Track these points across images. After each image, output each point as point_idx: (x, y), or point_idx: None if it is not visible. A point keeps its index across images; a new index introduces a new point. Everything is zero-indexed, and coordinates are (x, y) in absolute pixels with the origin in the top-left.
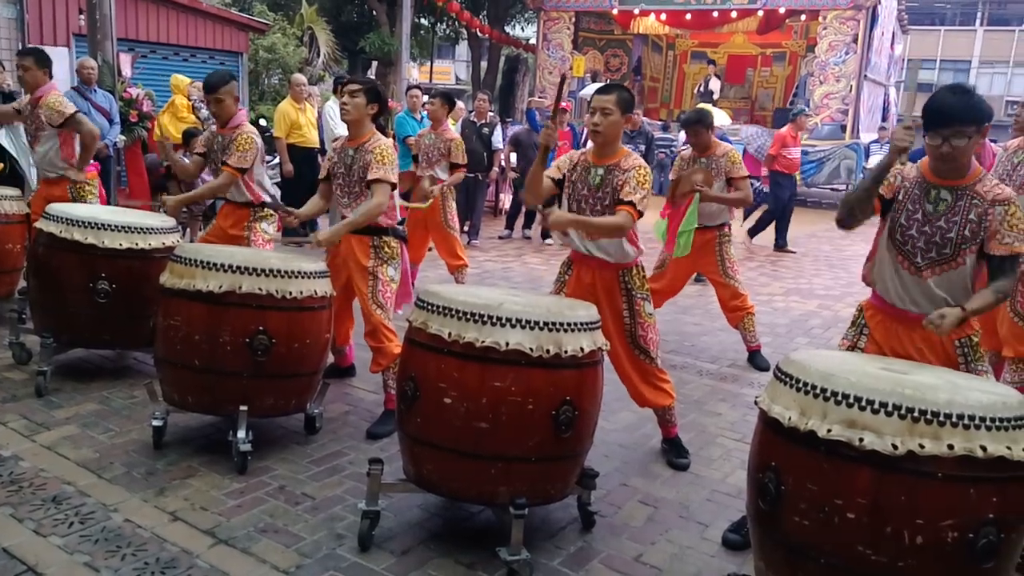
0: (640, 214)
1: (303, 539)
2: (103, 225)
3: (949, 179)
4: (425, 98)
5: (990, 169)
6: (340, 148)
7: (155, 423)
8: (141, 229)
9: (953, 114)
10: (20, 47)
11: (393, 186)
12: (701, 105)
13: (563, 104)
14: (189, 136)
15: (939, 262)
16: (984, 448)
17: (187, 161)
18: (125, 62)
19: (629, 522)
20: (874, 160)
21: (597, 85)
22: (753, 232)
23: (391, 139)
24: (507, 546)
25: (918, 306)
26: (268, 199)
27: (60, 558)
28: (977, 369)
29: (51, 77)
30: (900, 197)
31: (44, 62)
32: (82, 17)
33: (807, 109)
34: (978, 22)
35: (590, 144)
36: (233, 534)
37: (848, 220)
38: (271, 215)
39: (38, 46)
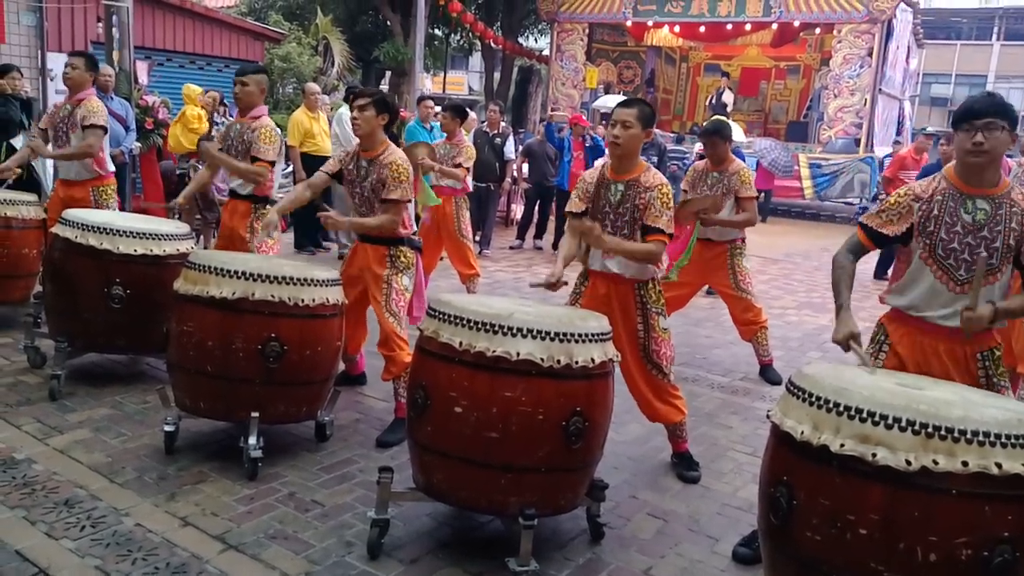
0: (670, 237)
1: (312, 546)
2: (118, 231)
3: (984, 188)
4: (437, 109)
5: None
6: (355, 154)
7: (167, 428)
8: (156, 235)
9: (986, 108)
10: (39, 54)
11: (408, 203)
12: (718, 118)
13: (576, 116)
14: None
15: (983, 273)
16: (999, 465)
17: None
18: (142, 70)
19: (638, 535)
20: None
21: (611, 97)
22: (879, 272)
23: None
24: (516, 556)
25: (951, 319)
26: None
27: (72, 561)
28: (998, 384)
29: (95, 84)
30: (936, 212)
31: (93, 67)
32: (100, 25)
33: (929, 128)
34: (994, 36)
35: (606, 159)
36: (243, 540)
37: None
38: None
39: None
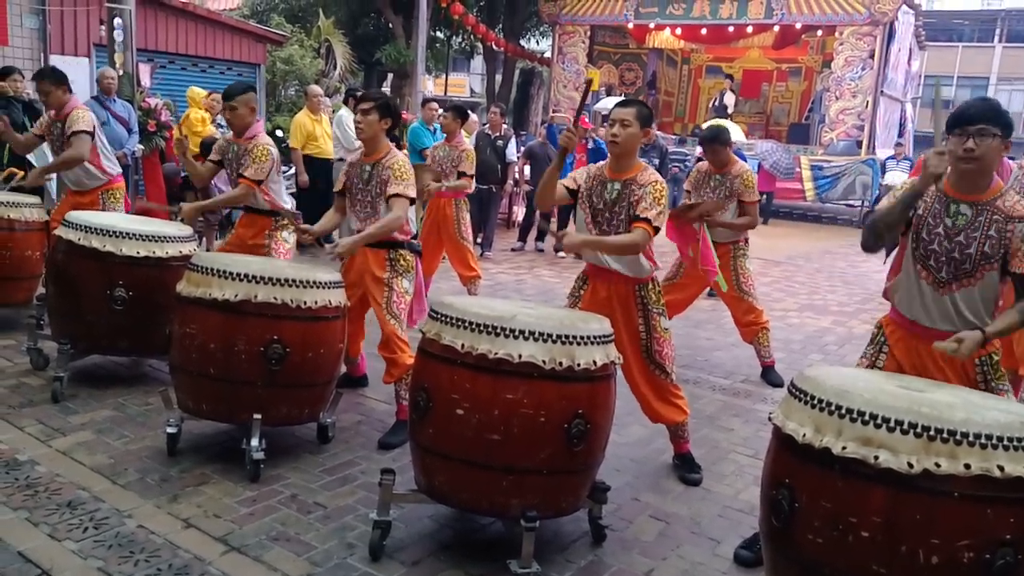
0: (656, 230)
1: (314, 548)
2: (121, 233)
3: (970, 194)
4: (440, 111)
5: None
6: (356, 163)
7: (169, 430)
8: (158, 238)
9: (978, 114)
10: (42, 56)
11: (411, 201)
12: (717, 121)
13: (580, 118)
14: (206, 147)
15: (960, 277)
16: (1001, 468)
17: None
18: (144, 72)
19: (640, 537)
20: (891, 177)
21: (613, 98)
22: None
23: (404, 151)
24: (517, 558)
25: (940, 322)
26: (284, 208)
27: (74, 563)
28: (997, 388)
29: (71, 91)
30: (920, 212)
31: (61, 80)
32: (103, 28)
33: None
34: (996, 39)
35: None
36: (245, 542)
37: (875, 245)
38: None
39: (50, 65)
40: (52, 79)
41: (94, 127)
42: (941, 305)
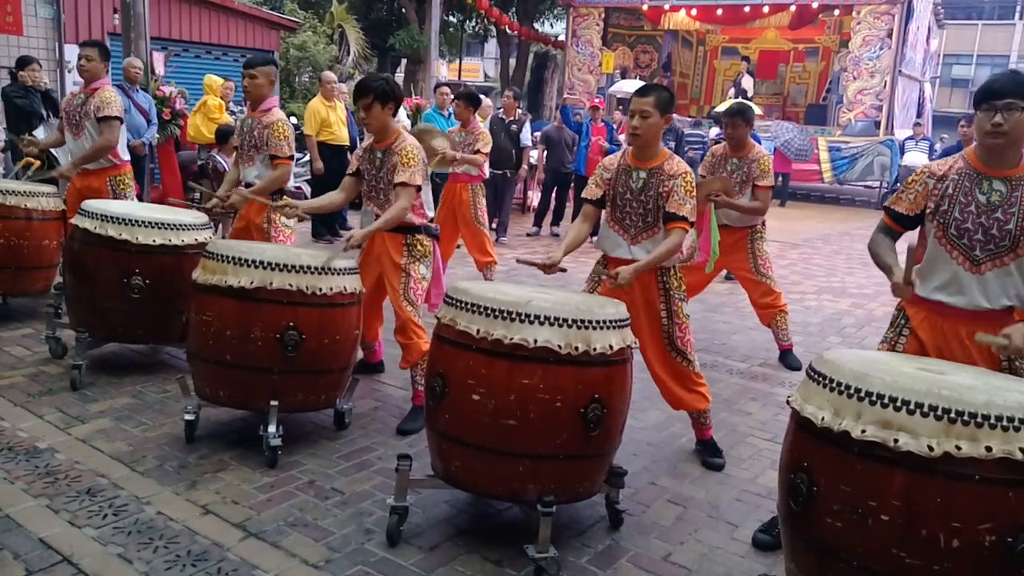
0: (692, 225)
1: (332, 533)
2: (137, 221)
3: (1002, 169)
4: (451, 96)
5: None
6: (368, 148)
7: (187, 417)
8: (174, 225)
9: (1006, 88)
10: (57, 46)
11: (418, 188)
12: (743, 101)
13: (595, 101)
14: (222, 134)
15: (998, 254)
16: None
17: (226, 162)
18: (158, 60)
19: (658, 521)
20: (909, 157)
21: (627, 82)
22: None
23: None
24: (534, 543)
25: (970, 301)
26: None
27: (94, 549)
28: (1021, 369)
29: (108, 72)
30: (950, 191)
31: (106, 55)
32: (116, 16)
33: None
34: (1017, 16)
35: (627, 145)
36: (263, 528)
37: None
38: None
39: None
40: (99, 49)
41: (121, 112)
42: (974, 284)
